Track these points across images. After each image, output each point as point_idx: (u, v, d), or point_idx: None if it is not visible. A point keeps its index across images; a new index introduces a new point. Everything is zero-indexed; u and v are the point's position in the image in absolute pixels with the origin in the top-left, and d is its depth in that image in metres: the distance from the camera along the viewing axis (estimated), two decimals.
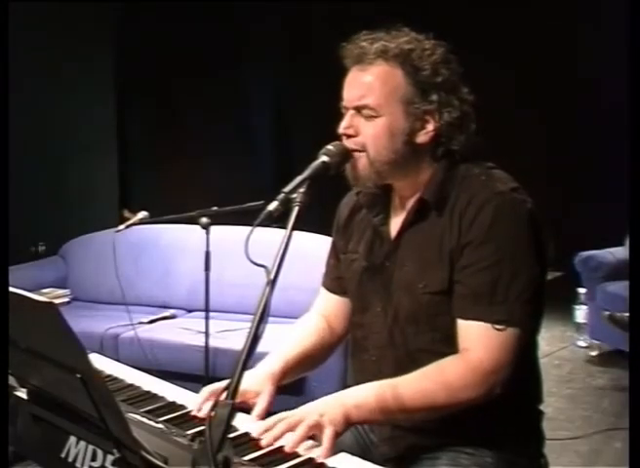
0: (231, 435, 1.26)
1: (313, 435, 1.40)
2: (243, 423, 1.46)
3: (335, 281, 1.82)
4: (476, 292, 1.51)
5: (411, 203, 1.63)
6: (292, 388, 3.29)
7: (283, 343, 1.75)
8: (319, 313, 1.84)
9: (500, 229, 1.51)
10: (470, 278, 1.52)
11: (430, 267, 1.57)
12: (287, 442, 1.36)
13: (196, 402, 1.56)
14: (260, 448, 1.37)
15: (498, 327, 1.49)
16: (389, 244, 1.66)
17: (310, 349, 1.75)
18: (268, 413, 1.54)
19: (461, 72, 1.61)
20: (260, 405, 1.54)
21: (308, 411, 1.43)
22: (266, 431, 1.39)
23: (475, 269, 1.51)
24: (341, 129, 1.59)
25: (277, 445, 1.37)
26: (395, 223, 1.66)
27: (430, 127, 1.57)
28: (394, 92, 1.55)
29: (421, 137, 1.58)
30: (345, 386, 1.82)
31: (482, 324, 1.50)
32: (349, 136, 1.58)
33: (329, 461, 1.33)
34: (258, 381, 1.60)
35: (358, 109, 1.57)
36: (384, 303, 1.65)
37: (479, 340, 1.50)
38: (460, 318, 1.54)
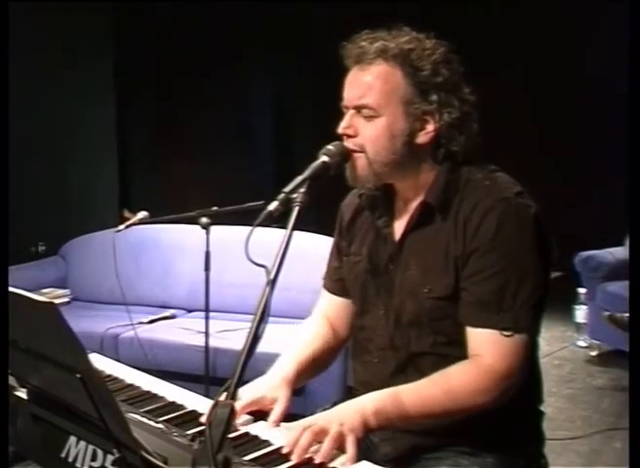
0: (231, 435, 1.26)
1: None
2: (262, 430, 1.46)
3: (336, 283, 1.81)
4: (483, 300, 1.51)
5: (414, 205, 1.62)
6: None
7: (292, 347, 1.75)
8: (322, 316, 1.83)
9: (505, 236, 1.51)
10: (477, 286, 1.52)
11: (435, 272, 1.57)
12: (317, 456, 1.35)
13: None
14: (257, 442, 1.39)
15: (505, 333, 1.49)
16: (393, 246, 1.65)
17: (318, 353, 1.75)
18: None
19: (462, 72, 1.60)
20: (277, 410, 1.53)
21: (329, 421, 1.42)
22: (294, 444, 1.37)
23: (481, 277, 1.51)
24: (341, 129, 1.58)
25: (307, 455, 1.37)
26: (399, 226, 1.66)
27: (430, 127, 1.57)
28: (394, 92, 1.55)
29: (421, 138, 1.57)
30: (346, 388, 1.82)
31: (490, 331, 1.50)
32: (349, 137, 1.57)
33: (329, 461, 1.33)
34: (273, 387, 1.60)
35: (358, 109, 1.57)
36: (387, 306, 1.64)
37: (489, 347, 1.50)
38: (467, 325, 1.53)
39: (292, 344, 1.76)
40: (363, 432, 1.44)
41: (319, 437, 1.38)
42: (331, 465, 1.34)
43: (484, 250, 1.51)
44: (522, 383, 1.50)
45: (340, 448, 1.38)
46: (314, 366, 1.74)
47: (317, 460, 1.34)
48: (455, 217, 1.56)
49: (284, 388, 1.59)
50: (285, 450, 1.37)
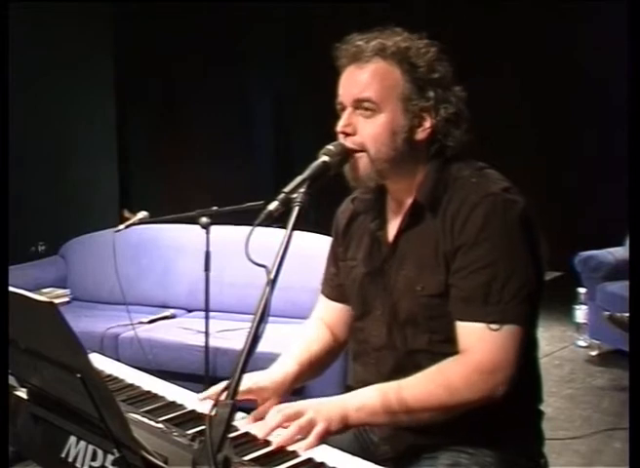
0: (231, 435, 1.26)
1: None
2: (241, 423, 1.47)
3: (335, 289, 1.82)
4: (471, 294, 1.51)
5: (406, 206, 1.63)
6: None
7: (291, 349, 1.76)
8: (319, 320, 1.84)
9: (491, 231, 1.51)
10: (464, 280, 1.52)
11: (427, 270, 1.57)
12: (277, 438, 1.38)
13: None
14: (257, 442, 1.39)
15: (493, 327, 1.49)
16: (387, 248, 1.66)
17: (318, 355, 1.76)
18: None
19: (452, 71, 1.62)
20: (264, 407, 1.55)
21: (306, 407, 1.45)
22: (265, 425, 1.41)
23: (469, 272, 1.52)
24: (340, 127, 1.58)
25: (270, 438, 1.39)
26: (392, 227, 1.67)
27: (427, 124, 1.58)
28: (393, 88, 1.56)
29: (420, 134, 1.59)
30: (345, 388, 1.82)
31: (478, 325, 1.50)
32: (347, 135, 1.57)
33: (329, 461, 1.33)
34: (275, 382, 1.62)
35: (357, 105, 1.57)
36: (384, 306, 1.65)
37: (477, 342, 1.50)
38: (457, 320, 1.54)
39: (291, 346, 1.77)
40: (339, 425, 1.45)
41: (291, 421, 1.40)
42: (290, 448, 1.36)
43: (470, 245, 1.52)
44: (515, 378, 1.49)
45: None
46: (313, 368, 1.75)
47: (273, 443, 1.36)
48: (443, 215, 1.57)
49: (282, 387, 1.62)
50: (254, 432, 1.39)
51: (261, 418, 1.49)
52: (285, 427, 1.41)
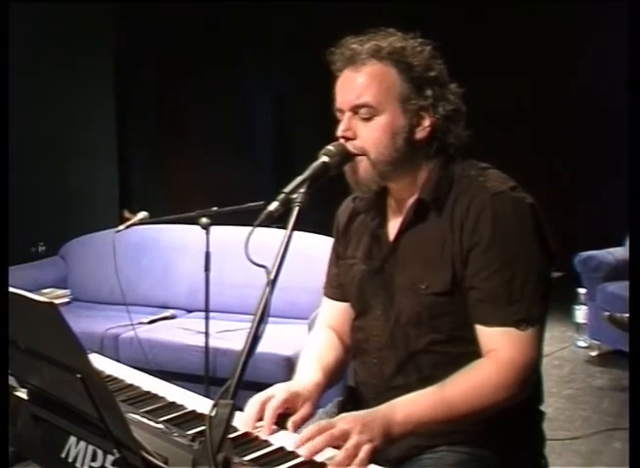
0: (231, 435, 1.26)
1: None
2: (281, 439, 1.42)
3: (337, 289, 1.82)
4: (493, 294, 1.51)
5: (408, 205, 1.63)
6: None
7: (307, 359, 1.73)
8: (328, 326, 1.83)
9: (505, 230, 1.52)
10: (484, 282, 1.52)
11: (432, 268, 1.57)
12: (331, 461, 1.32)
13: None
14: (257, 442, 1.38)
15: (521, 327, 1.50)
16: (388, 246, 1.66)
17: (334, 363, 1.74)
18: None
19: (453, 70, 1.63)
20: (303, 413, 1.53)
21: (351, 426, 1.38)
22: (307, 440, 1.35)
23: (488, 273, 1.52)
24: (340, 131, 1.58)
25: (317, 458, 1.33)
26: (393, 226, 1.67)
27: (427, 122, 1.59)
28: (391, 90, 1.56)
29: (419, 134, 1.59)
30: (346, 387, 1.82)
31: (504, 328, 1.50)
32: (348, 139, 1.57)
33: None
34: (307, 389, 1.59)
35: (355, 110, 1.57)
36: (385, 306, 1.65)
37: (505, 341, 1.50)
38: (480, 324, 1.53)
39: (304, 358, 1.74)
40: (383, 442, 1.41)
41: (336, 442, 1.35)
42: None
43: (485, 246, 1.52)
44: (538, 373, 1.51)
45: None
46: (333, 375, 1.73)
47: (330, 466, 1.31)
48: (450, 214, 1.57)
49: (315, 394, 1.59)
50: (297, 445, 1.35)
51: (300, 426, 1.48)
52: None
